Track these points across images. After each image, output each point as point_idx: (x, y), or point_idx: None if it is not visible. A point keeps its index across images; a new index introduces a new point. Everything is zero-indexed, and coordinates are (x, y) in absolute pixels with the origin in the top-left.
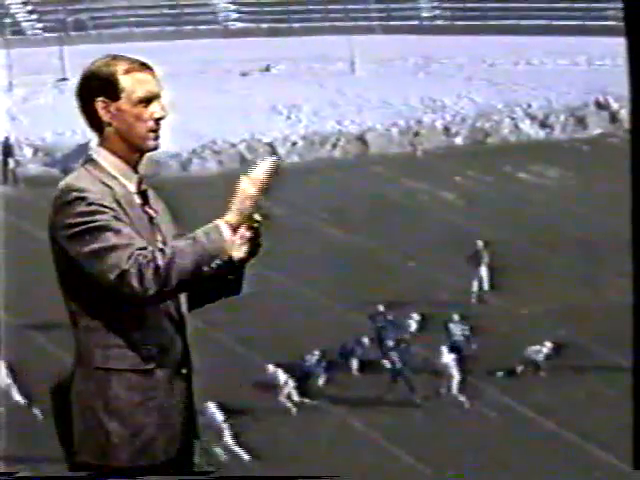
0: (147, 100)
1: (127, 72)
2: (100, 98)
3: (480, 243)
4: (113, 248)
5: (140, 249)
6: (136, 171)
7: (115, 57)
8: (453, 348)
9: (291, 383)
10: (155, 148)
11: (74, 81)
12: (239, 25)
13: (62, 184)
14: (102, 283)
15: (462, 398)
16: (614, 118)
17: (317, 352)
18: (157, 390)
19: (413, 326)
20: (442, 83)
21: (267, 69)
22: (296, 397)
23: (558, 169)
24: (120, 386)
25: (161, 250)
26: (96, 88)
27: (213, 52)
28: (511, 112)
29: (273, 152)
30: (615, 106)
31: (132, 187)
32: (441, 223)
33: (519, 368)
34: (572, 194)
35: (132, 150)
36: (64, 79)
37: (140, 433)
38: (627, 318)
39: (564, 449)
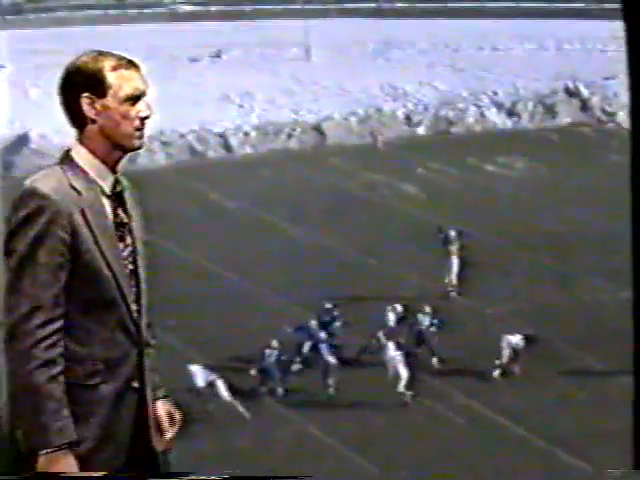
0: (134, 98)
1: (114, 69)
2: (85, 94)
3: (453, 233)
4: (23, 293)
5: (53, 320)
6: (114, 171)
7: (102, 53)
8: (419, 340)
9: (221, 385)
10: (139, 147)
11: (12, 68)
12: (187, 8)
13: (28, 184)
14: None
15: (424, 400)
16: (585, 106)
17: (276, 350)
18: (101, 405)
19: (392, 320)
20: (403, 69)
21: (218, 55)
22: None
23: (526, 160)
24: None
25: (57, 357)
26: (81, 84)
27: (159, 37)
28: (476, 100)
29: (225, 144)
30: (585, 93)
31: (107, 188)
32: (403, 217)
33: (499, 362)
34: (541, 186)
35: (114, 149)
36: (1, 66)
37: (77, 446)
38: (599, 318)
39: (533, 456)
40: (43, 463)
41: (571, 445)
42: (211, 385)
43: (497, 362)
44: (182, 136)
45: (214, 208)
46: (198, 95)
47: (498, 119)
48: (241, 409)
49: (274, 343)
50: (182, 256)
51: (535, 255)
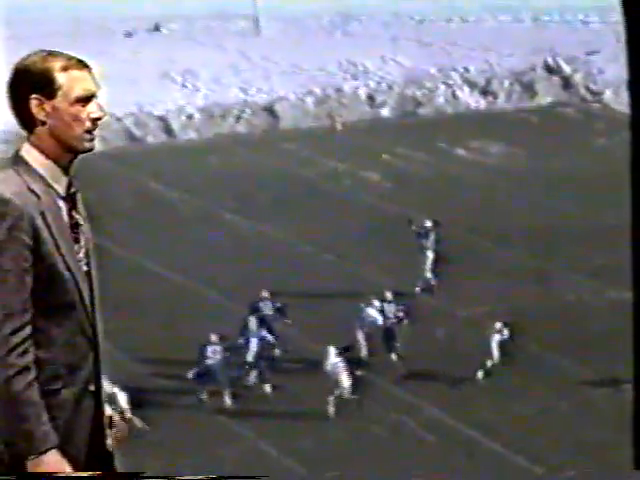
0: (84, 99)
1: (64, 69)
2: (34, 95)
3: (429, 223)
4: None
5: (23, 326)
6: (67, 173)
7: (51, 53)
8: (387, 333)
9: (122, 397)
10: (90, 149)
11: None
12: None
13: None
14: None
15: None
16: (567, 84)
17: (218, 347)
18: (62, 410)
19: (376, 314)
20: (363, 44)
21: (156, 29)
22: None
23: (502, 144)
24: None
25: (28, 364)
26: (30, 85)
27: (91, 9)
28: (446, 78)
29: (166, 128)
30: (567, 70)
31: (61, 190)
32: (365, 209)
33: (490, 362)
34: (519, 174)
35: (65, 150)
36: None
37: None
38: (584, 321)
39: (511, 474)
40: (32, 468)
41: (552, 461)
42: (110, 398)
43: (489, 363)
44: (118, 119)
45: (154, 199)
46: (135, 74)
47: (471, 99)
48: (139, 424)
49: (213, 338)
50: (117, 254)
51: (512, 251)
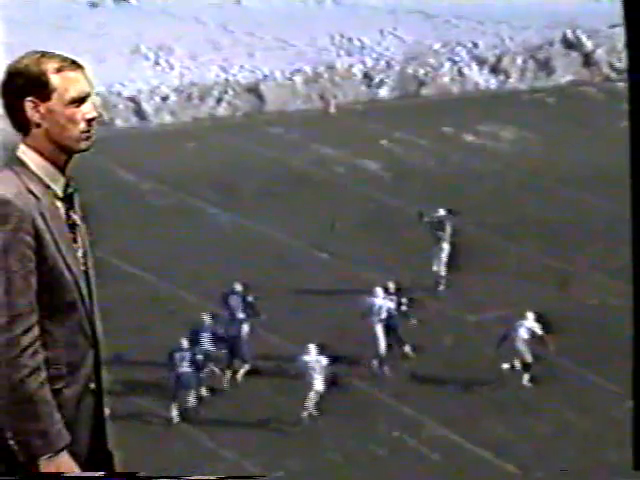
0: (79, 100)
1: (58, 71)
2: (29, 98)
3: (442, 212)
4: (6, 306)
5: (30, 319)
6: (63, 173)
7: (44, 54)
8: (388, 327)
9: None
10: (87, 149)
11: None
12: None
13: None
14: None
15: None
16: (588, 60)
17: (187, 353)
18: (64, 409)
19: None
20: (359, 16)
21: None
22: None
23: (515, 129)
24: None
25: (39, 366)
26: (24, 87)
27: None
28: (452, 54)
29: (137, 110)
30: (589, 45)
31: (59, 191)
32: (361, 201)
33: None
34: (534, 162)
35: (61, 151)
36: None
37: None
38: (604, 326)
39: None
40: (46, 467)
41: None
42: None
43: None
44: None
45: (123, 191)
46: (102, 49)
47: (479, 78)
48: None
49: (184, 343)
50: None
51: (527, 249)
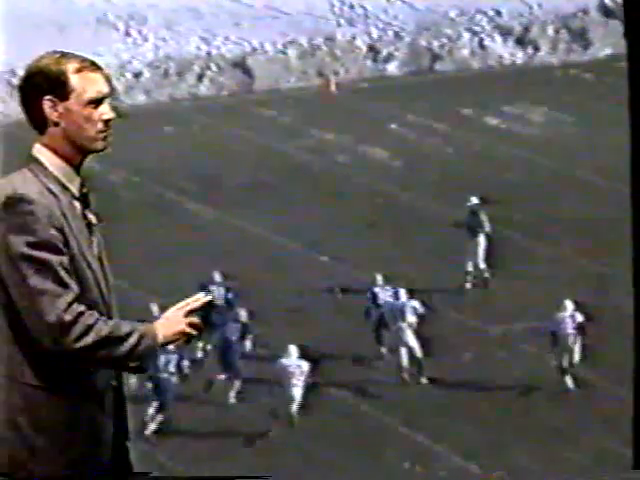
0: (97, 101)
1: (78, 71)
2: (48, 97)
3: (475, 200)
4: (51, 293)
5: (78, 300)
6: (78, 173)
7: (65, 54)
8: (380, 323)
9: None
10: (103, 149)
11: None
12: None
13: (9, 189)
14: (30, 320)
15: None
16: None
17: (174, 355)
18: (87, 407)
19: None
20: None
21: None
22: None
23: (545, 110)
24: (50, 404)
25: (97, 316)
26: (44, 86)
27: None
28: (471, 23)
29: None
30: None
31: (75, 190)
32: (368, 196)
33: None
34: (567, 148)
35: (77, 151)
36: None
37: (68, 450)
38: None
39: None
40: (166, 335)
41: None
42: None
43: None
44: None
45: (91, 182)
46: (63, 18)
47: (504, 51)
48: None
49: (171, 346)
50: None
51: (559, 249)
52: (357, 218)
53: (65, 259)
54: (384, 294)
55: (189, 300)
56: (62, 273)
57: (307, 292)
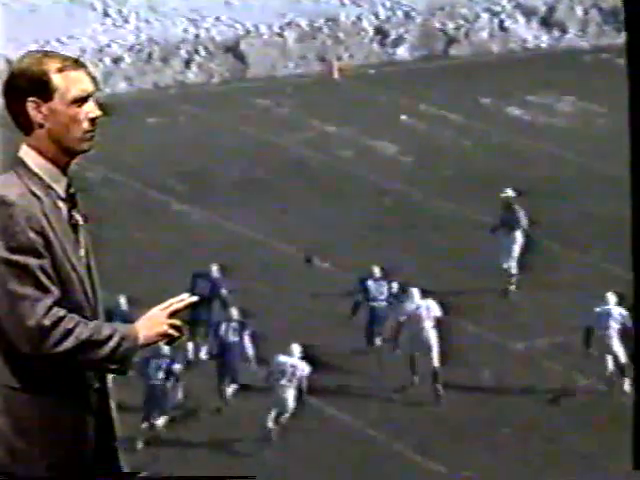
0: (81, 100)
1: (60, 71)
2: (31, 98)
3: (510, 192)
4: (30, 297)
5: (59, 303)
6: (65, 173)
7: (46, 54)
8: (372, 319)
9: None
10: (89, 149)
11: None
12: None
13: None
14: (9, 324)
15: None
16: None
17: (165, 360)
18: (69, 409)
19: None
20: None
21: None
22: None
23: (574, 100)
24: (31, 406)
25: (77, 320)
26: (26, 88)
27: None
28: (490, 2)
29: None
30: None
31: (61, 191)
32: (375, 195)
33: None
34: (599, 142)
35: (64, 152)
36: None
37: (53, 452)
38: None
39: None
40: (148, 338)
41: None
42: None
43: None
44: (8, 62)
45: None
46: None
47: (527, 33)
48: None
49: (165, 349)
50: None
51: (590, 256)
52: (362, 220)
53: (46, 262)
54: (377, 289)
55: (173, 300)
56: (42, 277)
57: (304, 302)
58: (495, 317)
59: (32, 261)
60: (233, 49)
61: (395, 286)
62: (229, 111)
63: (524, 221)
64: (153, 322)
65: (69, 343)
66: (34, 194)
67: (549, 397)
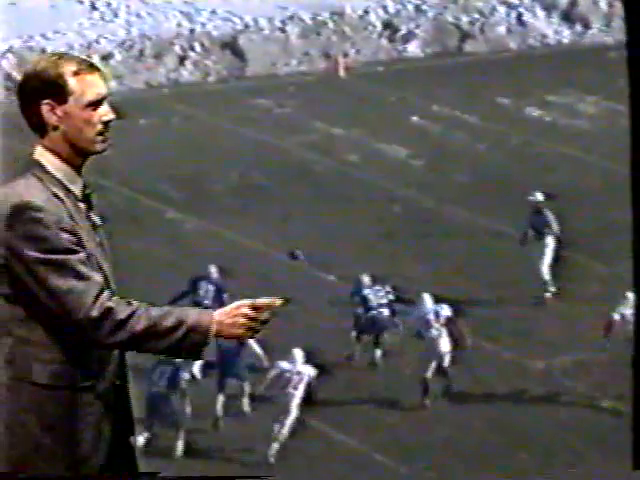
0: (96, 103)
1: (76, 74)
2: (46, 100)
3: (540, 196)
4: (75, 291)
5: (104, 291)
6: (80, 174)
7: (62, 57)
8: (369, 322)
9: None
10: (103, 151)
11: None
12: None
13: (15, 198)
14: (61, 319)
15: None
16: None
17: (169, 367)
18: (94, 406)
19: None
20: None
21: None
22: None
23: (598, 100)
24: (57, 403)
25: (132, 309)
26: (42, 90)
27: None
28: None
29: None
30: None
31: (78, 192)
32: (384, 202)
33: None
34: (625, 144)
35: (78, 153)
36: None
37: (75, 449)
38: None
39: None
40: (221, 330)
41: None
42: None
43: None
44: None
45: None
46: None
47: (547, 28)
48: None
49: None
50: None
51: (613, 264)
52: (370, 229)
53: (82, 255)
54: (375, 297)
55: (258, 300)
56: (83, 269)
57: (308, 318)
58: (513, 332)
59: (70, 256)
60: (231, 45)
61: (390, 290)
62: (227, 112)
63: (555, 226)
64: (234, 313)
65: (123, 334)
66: (57, 197)
67: (570, 420)
